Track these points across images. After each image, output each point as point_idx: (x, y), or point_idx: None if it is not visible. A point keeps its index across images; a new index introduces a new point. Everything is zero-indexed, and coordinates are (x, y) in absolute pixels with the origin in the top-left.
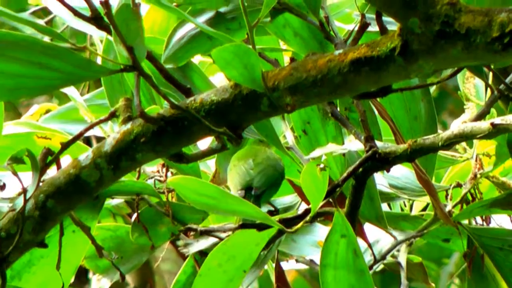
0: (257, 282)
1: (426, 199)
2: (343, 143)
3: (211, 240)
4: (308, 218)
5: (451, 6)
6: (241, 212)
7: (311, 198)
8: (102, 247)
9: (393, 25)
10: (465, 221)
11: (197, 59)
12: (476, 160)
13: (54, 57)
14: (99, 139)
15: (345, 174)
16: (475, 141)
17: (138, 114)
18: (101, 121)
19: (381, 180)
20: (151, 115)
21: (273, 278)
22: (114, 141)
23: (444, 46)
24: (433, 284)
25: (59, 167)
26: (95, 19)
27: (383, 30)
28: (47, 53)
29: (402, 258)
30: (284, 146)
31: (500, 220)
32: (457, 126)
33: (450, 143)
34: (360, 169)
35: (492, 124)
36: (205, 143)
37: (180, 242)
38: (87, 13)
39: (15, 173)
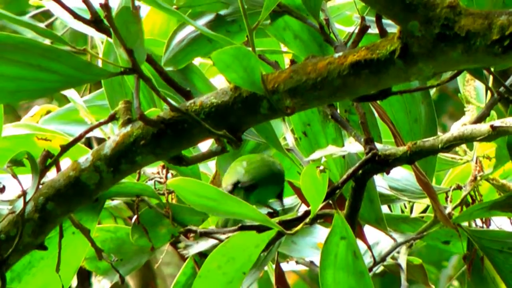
0: (257, 284)
1: (426, 201)
2: (343, 145)
3: (211, 241)
4: (307, 220)
5: (451, 9)
6: (241, 214)
7: (310, 200)
8: (101, 250)
9: (393, 27)
10: (465, 223)
11: (197, 61)
12: (476, 163)
13: (54, 60)
14: (100, 141)
15: (345, 176)
16: (475, 143)
17: (138, 116)
18: (100, 124)
19: (381, 182)
20: (151, 117)
21: (273, 280)
22: (114, 143)
23: (444, 49)
24: (433, 286)
25: (58, 169)
26: (95, 22)
27: (383, 32)
28: (47, 56)
29: (402, 260)
30: (284, 148)
31: (500, 222)
32: (457, 128)
33: (450, 146)
34: (360, 171)
35: (492, 126)
36: (205, 145)
37: (180, 244)
38: (87, 15)
39: (14, 176)
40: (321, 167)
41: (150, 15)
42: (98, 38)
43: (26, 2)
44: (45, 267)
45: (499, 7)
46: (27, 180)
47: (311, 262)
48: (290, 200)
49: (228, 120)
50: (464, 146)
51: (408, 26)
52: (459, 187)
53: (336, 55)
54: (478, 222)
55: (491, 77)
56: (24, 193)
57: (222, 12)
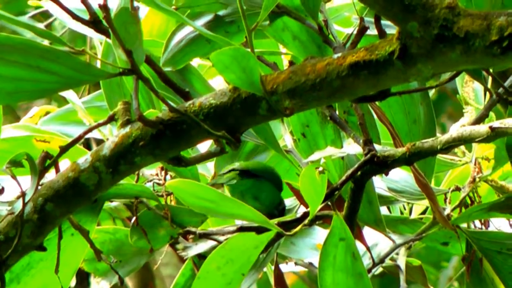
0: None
1: (425, 202)
2: (341, 147)
3: (210, 243)
4: (306, 221)
5: (450, 10)
6: (240, 215)
7: (309, 201)
8: (100, 251)
9: (392, 28)
10: (464, 225)
11: (196, 62)
12: (475, 164)
13: (53, 61)
14: (99, 142)
15: (343, 178)
16: (474, 144)
17: (136, 117)
18: (99, 125)
19: (379, 184)
20: (150, 118)
21: (272, 281)
22: (113, 144)
23: (443, 50)
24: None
25: (57, 170)
26: (94, 23)
27: (382, 33)
28: (46, 57)
29: (401, 261)
30: (283, 150)
31: (499, 224)
32: (455, 129)
33: (448, 147)
34: (359, 173)
35: (490, 127)
36: (204, 146)
37: (179, 246)
38: (86, 16)
39: (14, 177)
40: (320, 169)
41: (149, 16)
42: (97, 38)
43: (25, 3)
44: (44, 269)
45: (498, 8)
46: (26, 181)
47: (310, 263)
48: (289, 201)
49: (227, 121)
50: (463, 147)
51: (407, 27)
52: (458, 189)
53: (335, 56)
54: (477, 223)
55: (490, 78)
56: (23, 194)
57: (221, 12)
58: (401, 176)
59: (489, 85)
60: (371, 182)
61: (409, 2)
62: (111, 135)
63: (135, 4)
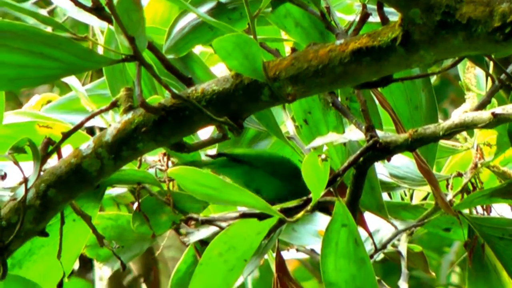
0: (258, 271)
1: (427, 188)
2: (344, 133)
3: (212, 229)
4: (309, 207)
5: None
6: (242, 202)
7: (312, 188)
8: (103, 236)
9: (394, 15)
10: (466, 211)
11: (198, 49)
12: (476, 150)
13: (55, 47)
14: (102, 130)
15: (346, 164)
16: (476, 130)
17: (139, 104)
18: (102, 111)
19: (381, 170)
20: (152, 105)
21: (273, 268)
22: (115, 130)
23: (445, 36)
24: (433, 273)
25: (60, 156)
26: (97, 10)
27: (384, 20)
28: (48, 43)
29: (403, 247)
30: (285, 136)
31: (501, 210)
32: (458, 115)
33: (451, 133)
34: (361, 159)
35: (493, 113)
36: (206, 132)
37: (181, 231)
38: (89, 3)
39: (16, 163)
40: (323, 156)
41: (151, 2)
42: (97, 27)
43: None
44: (46, 254)
45: None
46: (28, 167)
47: (312, 249)
48: None
49: (229, 107)
50: (464, 133)
51: (409, 14)
52: (459, 175)
53: (338, 42)
54: (479, 209)
55: (491, 64)
56: (25, 180)
57: None
58: (402, 162)
59: (491, 71)
60: (373, 168)
61: None
62: (114, 122)
63: None
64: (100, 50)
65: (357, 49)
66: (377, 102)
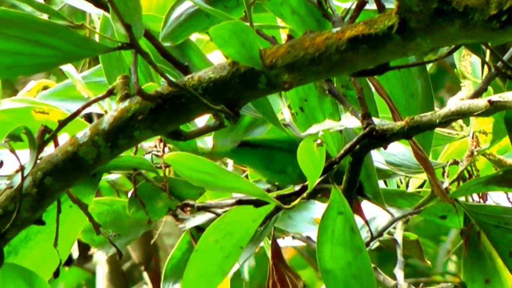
0: (253, 259)
1: (423, 176)
2: (340, 120)
3: (208, 215)
4: (305, 194)
5: None
6: (238, 189)
7: (308, 175)
8: (99, 225)
9: (391, 3)
10: (462, 198)
11: (194, 36)
12: (472, 138)
13: (52, 35)
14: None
15: (342, 151)
16: (471, 118)
17: (135, 91)
18: (98, 99)
19: (377, 157)
20: (149, 92)
21: (269, 255)
22: (112, 118)
23: (442, 24)
24: (428, 262)
25: (56, 144)
26: None
27: (380, 8)
28: (44, 31)
29: (398, 235)
30: (281, 123)
31: (497, 198)
32: (454, 103)
33: (447, 121)
34: (357, 146)
35: (489, 101)
36: (203, 120)
37: (178, 217)
38: None
39: (12, 151)
40: (318, 141)
41: None
42: (95, 13)
43: None
44: (42, 241)
45: None
46: (25, 155)
47: (308, 237)
48: None
49: (226, 95)
50: (460, 121)
51: (406, 1)
52: (456, 162)
53: (334, 30)
54: (475, 197)
55: (488, 52)
56: (22, 168)
57: None
58: (399, 150)
59: (487, 59)
60: (370, 155)
61: None
62: (110, 109)
63: None
64: (97, 38)
65: (354, 37)
66: (373, 89)
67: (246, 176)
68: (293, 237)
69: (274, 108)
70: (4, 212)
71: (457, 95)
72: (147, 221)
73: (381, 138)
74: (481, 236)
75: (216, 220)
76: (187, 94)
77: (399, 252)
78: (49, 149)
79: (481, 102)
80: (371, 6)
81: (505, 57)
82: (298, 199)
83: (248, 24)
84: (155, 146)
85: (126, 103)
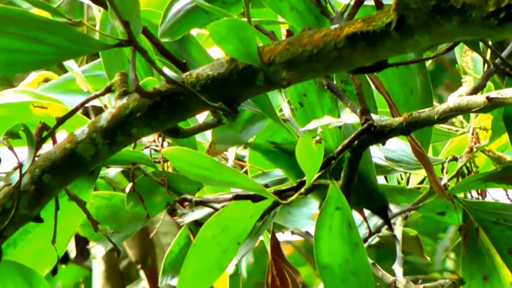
0: (252, 255)
1: (423, 172)
2: (339, 116)
3: (206, 210)
4: (303, 190)
5: None
6: (236, 184)
7: (306, 170)
8: (97, 222)
9: (389, 0)
10: (461, 195)
11: (195, 31)
12: (472, 134)
13: (50, 32)
14: (98, 109)
15: (340, 147)
16: (472, 115)
17: (134, 89)
18: (97, 96)
19: (377, 153)
20: (147, 90)
21: (269, 250)
22: (110, 116)
23: (440, 21)
24: (428, 258)
25: (54, 142)
26: None
27: (379, 5)
28: (42, 28)
29: (398, 231)
30: (280, 119)
31: (496, 194)
32: (453, 99)
33: (445, 117)
34: (356, 142)
35: (487, 98)
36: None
37: (177, 212)
38: None
39: (10, 148)
40: (317, 138)
41: None
42: (95, 7)
43: None
44: (40, 234)
45: None
46: (23, 152)
47: (307, 232)
48: None
49: (224, 92)
50: (461, 117)
51: None
52: (455, 159)
53: (332, 27)
54: (474, 194)
55: (489, 50)
56: (20, 166)
57: None
58: (398, 146)
59: (488, 56)
60: (368, 151)
61: None
62: (110, 104)
63: None
64: (96, 34)
65: (352, 34)
66: (373, 85)
67: (246, 172)
68: (292, 232)
69: (274, 103)
70: (2, 210)
71: (457, 91)
72: (145, 216)
73: (380, 134)
74: (480, 233)
75: (214, 215)
76: (185, 91)
77: (398, 248)
78: (47, 146)
79: (480, 99)
80: (369, 2)
81: (504, 54)
82: (296, 194)
83: (246, 20)
84: (154, 141)
85: (124, 100)
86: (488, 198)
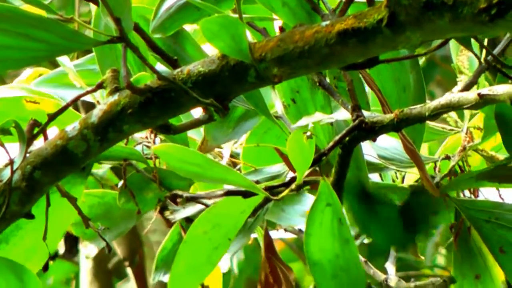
0: (243, 252)
1: (416, 170)
2: (331, 113)
3: (198, 206)
4: (293, 186)
5: None
6: (227, 180)
7: (297, 166)
8: (88, 218)
9: None
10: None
11: (190, 28)
12: (466, 133)
13: (42, 29)
14: (88, 105)
15: (331, 143)
16: (466, 113)
17: (125, 85)
18: (88, 92)
19: (369, 151)
20: (138, 86)
21: (262, 247)
22: (101, 112)
23: (432, 18)
24: (422, 257)
25: (46, 138)
26: None
27: (370, 1)
28: (34, 25)
29: None
30: (273, 116)
31: (488, 193)
32: (444, 96)
33: (437, 113)
34: (347, 138)
35: (479, 94)
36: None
37: (168, 208)
38: None
39: (1, 144)
40: (308, 133)
41: None
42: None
43: None
44: (32, 230)
45: None
46: (14, 149)
47: (300, 230)
48: (278, 167)
49: (215, 88)
50: (455, 116)
51: None
52: (448, 157)
53: (324, 23)
54: (467, 193)
55: (483, 47)
56: (11, 162)
57: None
58: (391, 144)
59: (483, 54)
60: (360, 148)
61: None
62: (102, 99)
63: None
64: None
65: (343, 31)
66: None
67: (239, 170)
68: (286, 230)
69: (267, 100)
70: None
71: (454, 90)
72: (136, 212)
73: (371, 131)
74: (472, 232)
75: (205, 211)
76: (176, 87)
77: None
78: (38, 143)
79: (471, 95)
80: None
81: (496, 51)
82: (287, 191)
83: (238, 17)
84: (146, 137)
85: (116, 97)
86: (481, 197)
